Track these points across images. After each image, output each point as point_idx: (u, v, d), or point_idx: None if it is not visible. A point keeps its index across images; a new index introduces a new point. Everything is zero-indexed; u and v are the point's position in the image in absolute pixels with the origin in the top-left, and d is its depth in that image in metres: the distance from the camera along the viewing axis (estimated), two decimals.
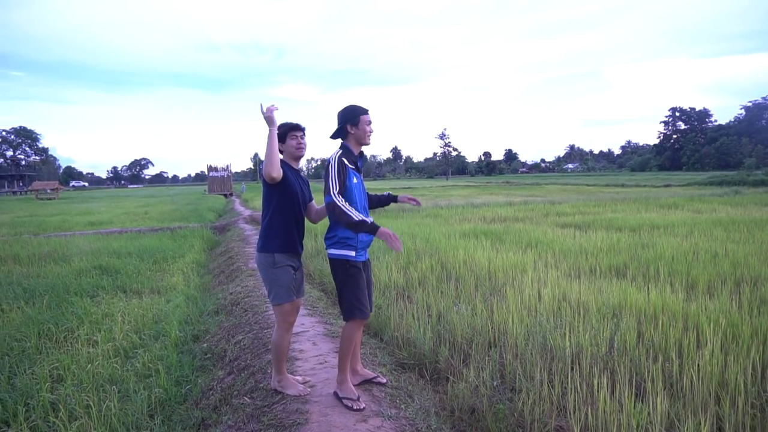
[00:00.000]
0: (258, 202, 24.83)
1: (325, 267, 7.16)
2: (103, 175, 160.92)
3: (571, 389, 3.00)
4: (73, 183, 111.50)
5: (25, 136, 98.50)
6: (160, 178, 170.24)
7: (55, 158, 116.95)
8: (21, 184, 79.45)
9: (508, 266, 6.45)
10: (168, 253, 9.81)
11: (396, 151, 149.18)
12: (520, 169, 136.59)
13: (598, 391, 2.92)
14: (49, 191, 49.77)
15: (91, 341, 4.78)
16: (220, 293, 6.71)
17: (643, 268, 6.32)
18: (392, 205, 16.06)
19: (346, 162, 3.10)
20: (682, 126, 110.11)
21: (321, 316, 5.16)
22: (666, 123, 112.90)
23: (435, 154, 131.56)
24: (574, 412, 2.80)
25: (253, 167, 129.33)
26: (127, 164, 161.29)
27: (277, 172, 3.10)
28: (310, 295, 6.00)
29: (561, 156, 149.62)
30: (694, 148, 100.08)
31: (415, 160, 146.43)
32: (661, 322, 4.02)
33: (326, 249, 3.19)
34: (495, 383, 3.27)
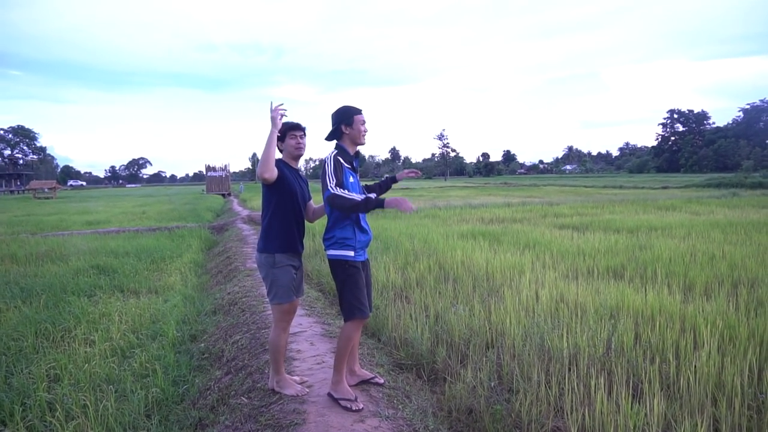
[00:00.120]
0: (256, 202, 24.81)
1: (323, 267, 7.16)
2: (101, 175, 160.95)
3: (569, 390, 3.00)
4: (70, 182, 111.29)
5: (23, 135, 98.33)
6: (158, 178, 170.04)
7: (52, 157, 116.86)
8: (18, 183, 79.31)
9: (505, 267, 6.46)
10: (166, 252, 9.80)
11: (394, 152, 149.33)
12: (519, 171, 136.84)
13: (595, 392, 2.92)
14: (46, 190, 49.68)
15: (88, 341, 4.77)
16: (217, 293, 6.70)
17: (641, 269, 6.33)
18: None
19: (342, 161, 3.10)
20: (680, 128, 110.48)
21: (319, 317, 5.15)
22: (664, 125, 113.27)
23: (433, 154, 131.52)
24: (572, 413, 2.80)
25: (251, 167, 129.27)
26: (125, 164, 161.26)
27: (270, 174, 3.09)
28: (308, 295, 6.00)
29: (559, 157, 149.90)
30: (692, 150, 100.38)
31: (413, 161, 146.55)
32: (658, 323, 4.02)
33: (325, 250, 3.19)
34: (492, 384, 3.27)
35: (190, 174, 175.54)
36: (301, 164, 3.56)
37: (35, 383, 3.73)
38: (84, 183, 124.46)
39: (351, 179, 3.15)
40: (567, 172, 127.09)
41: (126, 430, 3.25)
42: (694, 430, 2.58)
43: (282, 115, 3.17)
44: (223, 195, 40.47)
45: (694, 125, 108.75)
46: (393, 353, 4.15)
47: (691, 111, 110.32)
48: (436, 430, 2.88)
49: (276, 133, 3.11)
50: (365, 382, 3.38)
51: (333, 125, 3.22)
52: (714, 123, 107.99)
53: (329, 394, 3.12)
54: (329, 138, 3.25)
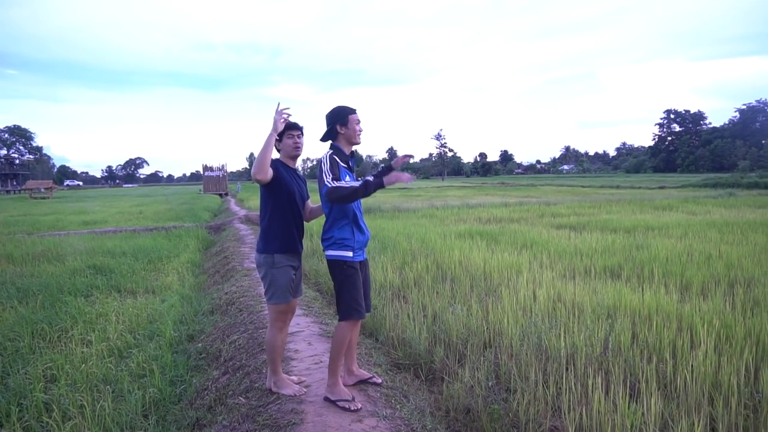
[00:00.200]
0: (253, 201, 24.79)
1: (320, 267, 7.16)
2: (98, 175, 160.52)
3: (566, 390, 3.01)
4: (67, 182, 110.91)
5: (19, 134, 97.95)
6: (155, 178, 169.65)
7: (49, 157, 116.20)
8: (15, 183, 79.00)
9: (503, 267, 6.47)
10: (163, 252, 9.77)
11: (392, 152, 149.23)
12: (516, 170, 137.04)
13: (592, 392, 2.93)
14: (43, 190, 49.50)
15: (85, 341, 4.75)
16: (215, 293, 6.69)
17: (638, 269, 6.35)
18: (387, 206, 15.94)
19: (338, 160, 3.10)
20: (677, 128, 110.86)
21: (316, 316, 5.15)
22: (661, 125, 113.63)
23: (431, 154, 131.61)
24: (569, 413, 2.81)
25: (248, 167, 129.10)
26: (122, 163, 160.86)
27: (263, 175, 3.08)
28: (305, 295, 5.99)
29: (556, 157, 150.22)
30: (689, 150, 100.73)
31: (411, 161, 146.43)
32: (655, 323, 4.04)
33: (323, 250, 3.19)
34: (490, 383, 3.28)
35: (187, 174, 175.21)
36: (298, 164, 3.56)
37: (32, 383, 3.71)
38: (80, 183, 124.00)
39: (347, 178, 3.15)
40: (564, 172, 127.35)
41: (123, 430, 3.24)
42: (691, 430, 2.59)
43: (285, 120, 3.14)
44: (221, 195, 40.41)
45: (690, 125, 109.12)
46: (391, 353, 4.15)
47: (687, 111, 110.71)
48: (433, 430, 2.89)
49: (275, 137, 3.09)
50: (363, 382, 3.38)
51: (328, 126, 3.22)
52: (710, 123, 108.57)
53: (326, 398, 3.12)
54: (324, 139, 3.25)
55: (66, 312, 5.57)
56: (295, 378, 3.46)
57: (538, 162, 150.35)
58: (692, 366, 3.21)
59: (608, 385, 3.09)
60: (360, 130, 3.22)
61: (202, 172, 44.90)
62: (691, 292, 5.27)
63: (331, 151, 3.14)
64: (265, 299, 3.33)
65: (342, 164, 3.12)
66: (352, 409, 2.97)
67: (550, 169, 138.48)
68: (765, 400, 2.84)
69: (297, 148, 3.32)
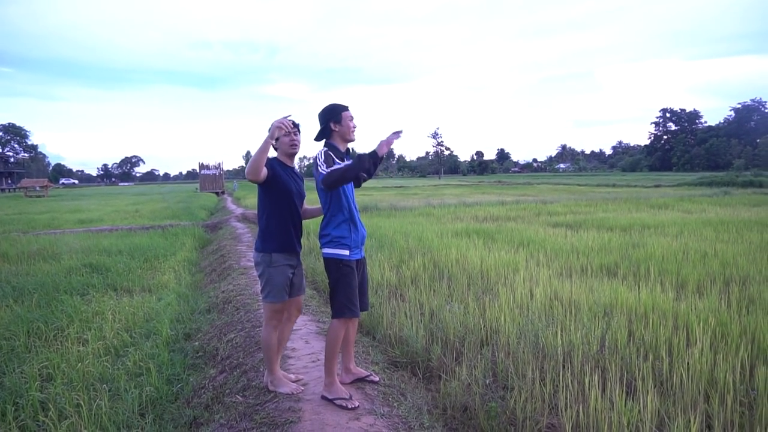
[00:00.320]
0: (250, 200, 24.75)
1: (317, 265, 7.16)
2: (94, 173, 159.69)
3: (563, 387, 3.02)
4: (62, 180, 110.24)
5: (13, 133, 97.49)
6: (151, 176, 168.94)
7: (44, 155, 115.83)
8: (9, 181, 78.61)
9: (500, 265, 6.48)
10: (159, 251, 9.75)
11: (389, 150, 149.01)
12: (512, 169, 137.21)
13: (589, 389, 2.94)
14: (38, 189, 49.21)
15: (81, 340, 4.74)
16: (211, 291, 6.68)
17: (634, 267, 6.37)
18: (384, 205, 15.91)
19: (333, 156, 3.10)
20: (673, 127, 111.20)
21: (313, 315, 5.15)
22: (657, 124, 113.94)
23: (427, 153, 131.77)
24: (566, 410, 2.82)
25: (245, 165, 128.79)
26: (118, 162, 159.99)
27: (256, 176, 3.08)
28: None
29: (553, 156, 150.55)
30: (684, 149, 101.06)
31: (407, 159, 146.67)
32: (651, 320, 4.05)
33: (320, 248, 3.19)
34: (487, 381, 3.29)
35: (184, 172, 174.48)
36: (294, 163, 3.55)
37: (28, 382, 3.70)
38: (76, 181, 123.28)
39: None
40: (560, 170, 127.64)
41: (120, 429, 3.23)
42: (687, 427, 2.60)
43: (283, 128, 3.08)
44: (217, 193, 40.29)
45: (686, 124, 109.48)
46: (388, 351, 4.15)
47: (683, 110, 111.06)
48: (431, 428, 2.89)
49: (270, 143, 3.03)
50: (360, 380, 3.38)
51: (321, 124, 3.22)
52: (706, 122, 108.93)
53: (323, 397, 3.12)
54: (318, 138, 3.25)
55: (62, 311, 5.55)
56: (292, 376, 3.46)
57: (535, 160, 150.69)
58: (688, 363, 3.22)
59: (605, 383, 3.10)
60: (354, 127, 3.22)
61: (198, 171, 44.73)
62: (687, 290, 5.29)
63: (326, 148, 3.14)
64: (261, 297, 3.33)
65: (338, 160, 3.12)
66: (350, 407, 2.97)
67: (547, 167, 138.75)
68: (760, 398, 2.86)
69: (294, 146, 3.30)
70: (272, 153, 3.32)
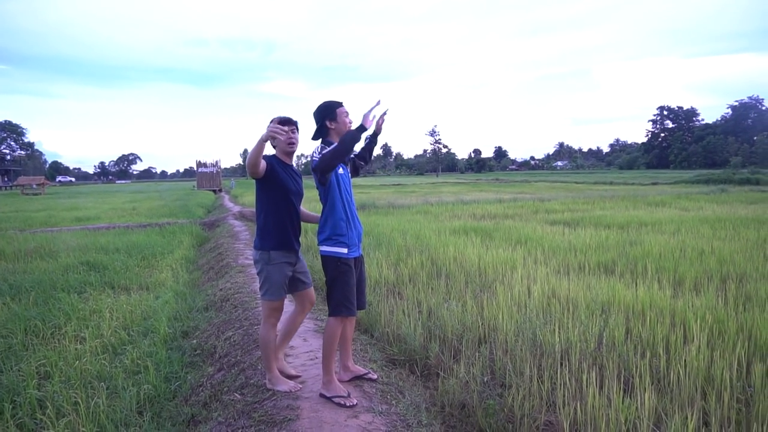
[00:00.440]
0: (247, 198, 24.72)
1: (315, 264, 7.14)
2: (90, 171, 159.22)
3: (561, 385, 3.02)
4: (59, 178, 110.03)
5: (10, 130, 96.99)
6: (148, 174, 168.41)
7: (41, 153, 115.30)
8: (6, 179, 78.34)
9: (497, 263, 6.48)
10: (156, 249, 9.73)
11: (386, 148, 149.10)
12: (510, 167, 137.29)
13: (587, 387, 2.95)
14: (35, 186, 49.03)
15: (79, 338, 4.73)
16: (209, 289, 6.67)
17: (631, 265, 6.39)
18: (382, 203, 15.89)
19: None
20: (670, 125, 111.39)
21: (311, 313, 5.14)
22: (654, 122, 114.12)
23: (425, 150, 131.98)
24: (564, 407, 2.83)
25: (242, 163, 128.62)
26: (115, 159, 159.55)
27: (253, 172, 3.09)
28: None
29: (550, 154, 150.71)
30: (682, 146, 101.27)
31: (405, 157, 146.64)
32: (648, 318, 4.06)
33: (318, 245, 3.19)
34: (485, 379, 3.29)
35: (181, 170, 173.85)
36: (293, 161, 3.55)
37: (25, 380, 3.70)
38: (73, 179, 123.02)
39: (340, 170, 3.17)
40: (558, 168, 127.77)
41: (118, 427, 3.23)
42: (684, 424, 2.61)
43: (277, 133, 2.99)
44: (214, 191, 40.21)
45: (683, 122, 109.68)
46: (386, 349, 4.15)
47: (680, 108, 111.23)
48: (429, 425, 2.89)
49: (263, 145, 2.98)
50: (359, 378, 3.38)
51: (317, 123, 3.22)
52: (703, 120, 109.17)
53: (321, 395, 3.12)
54: (315, 137, 3.25)
55: (59, 309, 5.54)
56: (293, 371, 3.47)
57: (532, 158, 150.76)
58: (685, 361, 3.24)
59: (602, 380, 3.11)
60: (350, 122, 3.22)
61: (195, 169, 44.62)
62: (684, 287, 5.30)
63: (323, 146, 3.15)
64: (260, 294, 3.34)
65: None
66: (348, 405, 2.98)
67: (544, 165, 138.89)
68: (757, 394, 2.87)
69: (291, 144, 3.29)
70: (271, 150, 3.32)
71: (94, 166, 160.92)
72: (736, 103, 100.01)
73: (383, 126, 3.35)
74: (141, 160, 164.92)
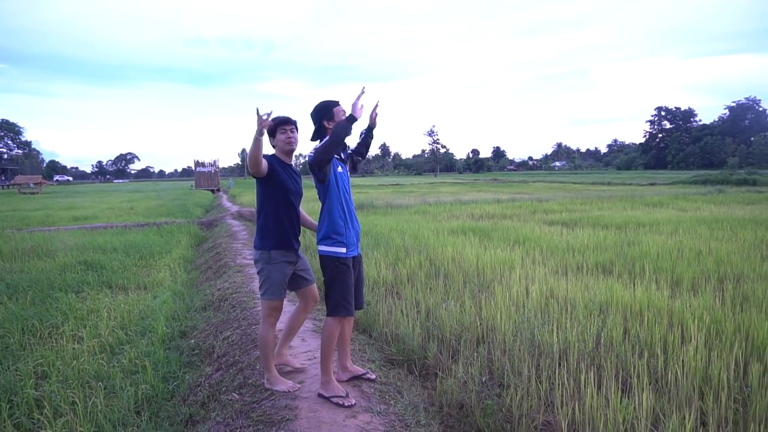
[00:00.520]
0: (245, 198, 24.69)
1: (313, 263, 7.14)
2: (88, 170, 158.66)
3: (559, 385, 3.03)
4: (56, 177, 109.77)
5: (7, 129, 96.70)
6: (146, 173, 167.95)
7: (38, 152, 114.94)
8: (3, 178, 78.06)
9: (496, 263, 6.49)
10: (154, 248, 9.71)
11: (384, 148, 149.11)
12: (508, 167, 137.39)
13: (585, 387, 2.95)
14: (32, 185, 48.91)
15: (77, 337, 4.72)
16: (207, 289, 6.66)
17: (629, 265, 6.40)
18: (380, 203, 15.88)
19: None
20: (668, 125, 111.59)
21: (310, 312, 5.14)
22: (652, 122, 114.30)
23: (423, 151, 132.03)
24: (562, 407, 2.83)
25: (240, 162, 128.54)
26: (113, 159, 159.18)
27: (257, 169, 3.10)
28: None
29: (548, 154, 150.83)
30: (679, 147, 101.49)
31: (403, 157, 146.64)
32: (646, 318, 4.07)
33: (317, 245, 3.20)
34: (483, 379, 3.29)
35: (179, 169, 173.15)
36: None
37: (22, 380, 3.69)
38: (70, 178, 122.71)
39: (339, 169, 3.18)
40: (556, 168, 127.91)
41: (115, 426, 3.22)
42: (682, 424, 2.62)
43: (266, 120, 3.00)
44: (212, 191, 40.19)
45: (681, 122, 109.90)
46: (384, 349, 4.16)
47: (678, 108, 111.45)
48: (427, 425, 2.90)
49: (260, 139, 2.98)
50: (357, 378, 3.38)
51: (315, 124, 3.23)
52: (700, 120, 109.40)
53: (320, 394, 3.12)
54: (314, 137, 3.25)
55: (56, 308, 5.53)
56: (298, 364, 3.56)
57: (530, 158, 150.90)
58: (683, 361, 3.24)
59: (600, 380, 3.12)
60: None
61: (193, 168, 44.61)
62: (682, 288, 5.31)
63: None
64: (259, 294, 3.35)
65: (335, 156, 3.14)
66: (346, 405, 2.98)
67: (542, 165, 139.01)
68: (754, 394, 2.88)
69: (290, 143, 3.30)
70: (271, 150, 3.33)
71: (92, 165, 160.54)
72: (734, 104, 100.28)
73: (377, 119, 3.40)
74: (139, 160, 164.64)
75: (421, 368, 3.78)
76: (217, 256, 8.97)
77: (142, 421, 3.30)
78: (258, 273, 3.30)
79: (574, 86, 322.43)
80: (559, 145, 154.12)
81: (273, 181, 3.20)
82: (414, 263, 6.64)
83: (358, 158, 3.45)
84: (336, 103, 3.22)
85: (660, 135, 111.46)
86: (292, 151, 3.35)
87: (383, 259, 7.03)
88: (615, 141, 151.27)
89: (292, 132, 3.30)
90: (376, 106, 3.37)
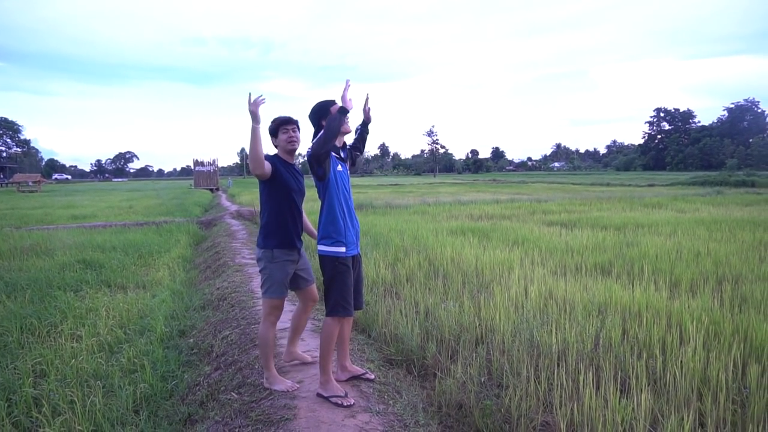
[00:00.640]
0: (245, 197, 24.69)
1: (312, 262, 7.14)
2: (87, 168, 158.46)
3: (557, 385, 3.03)
4: (55, 176, 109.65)
5: (6, 127, 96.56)
6: (145, 172, 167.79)
7: (37, 150, 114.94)
8: (2, 176, 78.00)
9: (495, 263, 6.49)
10: (153, 247, 9.71)
11: (383, 148, 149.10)
12: (507, 167, 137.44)
13: (583, 387, 2.96)
14: (31, 184, 48.83)
15: (75, 336, 4.72)
16: (206, 288, 6.66)
17: (628, 266, 6.40)
18: (379, 203, 15.93)
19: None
20: (667, 126, 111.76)
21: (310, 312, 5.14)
22: (651, 123, 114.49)
23: (423, 151, 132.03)
24: (560, 408, 2.83)
25: (239, 162, 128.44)
26: (112, 157, 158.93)
27: (261, 170, 3.12)
28: None
29: (547, 154, 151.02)
30: (678, 148, 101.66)
31: (402, 157, 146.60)
32: (645, 319, 4.08)
33: (316, 244, 3.20)
34: (482, 379, 3.30)
35: (178, 169, 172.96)
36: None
37: (21, 379, 3.68)
38: (69, 177, 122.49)
39: (339, 167, 3.18)
40: (555, 169, 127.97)
41: (114, 425, 3.22)
42: (680, 425, 2.62)
43: (260, 103, 3.08)
44: (211, 190, 40.15)
45: (680, 124, 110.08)
46: (383, 349, 4.16)
47: (677, 110, 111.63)
48: (426, 425, 2.90)
49: (258, 128, 3.04)
50: (356, 378, 3.38)
51: (314, 124, 3.25)
52: (699, 122, 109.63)
53: (318, 394, 3.12)
54: (315, 138, 3.26)
55: (55, 307, 5.52)
56: (309, 358, 3.62)
57: (530, 159, 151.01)
58: (681, 362, 3.25)
59: (599, 381, 3.12)
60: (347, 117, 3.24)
61: (192, 167, 44.58)
62: (680, 289, 5.32)
63: None
64: (261, 292, 3.36)
65: (334, 154, 3.15)
66: (345, 404, 2.98)
67: (541, 166, 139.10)
68: (752, 395, 2.89)
69: (291, 143, 3.32)
70: (273, 150, 3.36)
71: (91, 164, 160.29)
72: (732, 106, 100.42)
73: (371, 114, 3.45)
74: (138, 159, 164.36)
75: (419, 368, 3.79)
76: (216, 255, 8.96)
77: (140, 420, 3.29)
78: (260, 271, 3.33)
79: (573, 87, 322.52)
80: (558, 145, 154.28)
81: (276, 181, 3.23)
82: (413, 263, 6.64)
83: (356, 153, 3.49)
84: (332, 103, 3.24)
85: (659, 136, 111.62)
86: (294, 150, 3.37)
87: (382, 259, 7.03)
88: (614, 142, 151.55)
89: (294, 131, 3.33)
90: (367, 100, 3.42)
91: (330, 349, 3.13)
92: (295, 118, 3.35)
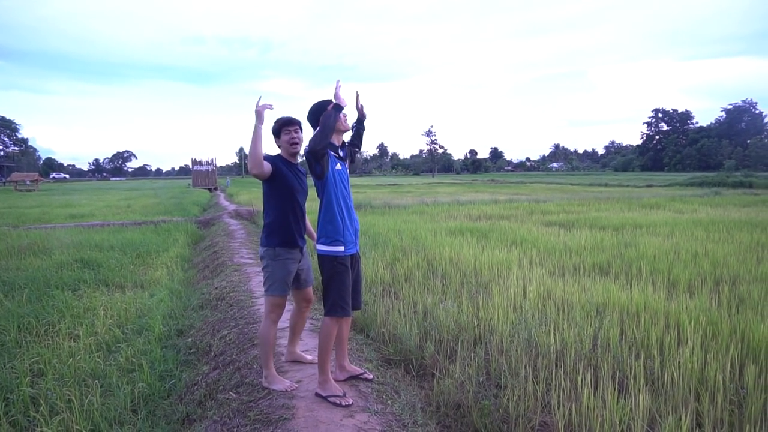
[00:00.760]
0: (243, 197, 24.67)
1: (311, 262, 7.14)
2: (85, 167, 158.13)
3: (556, 385, 3.03)
4: (53, 175, 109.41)
5: (3, 126, 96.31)
6: (143, 171, 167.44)
7: (34, 149, 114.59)
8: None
9: (493, 264, 6.50)
10: (151, 247, 9.69)
11: (382, 148, 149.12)
12: (505, 168, 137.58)
13: (581, 388, 2.96)
14: (28, 183, 48.72)
15: (73, 335, 4.71)
16: (204, 288, 6.65)
17: (626, 266, 6.41)
18: (378, 203, 15.95)
19: (329, 149, 3.13)
20: (665, 127, 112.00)
21: (308, 312, 5.13)
22: (649, 124, 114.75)
23: (421, 151, 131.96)
24: (558, 408, 2.84)
25: (238, 161, 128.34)
26: (110, 156, 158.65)
27: (259, 170, 3.15)
28: None
29: (546, 155, 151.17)
30: (676, 149, 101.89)
31: (401, 157, 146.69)
32: (643, 319, 4.08)
33: (315, 244, 3.20)
34: (480, 379, 3.30)
35: (176, 168, 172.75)
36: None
37: (18, 378, 3.67)
38: (67, 176, 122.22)
39: (338, 166, 3.19)
40: (553, 169, 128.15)
41: (112, 425, 3.22)
42: (678, 425, 2.63)
43: (265, 108, 3.17)
44: (210, 189, 40.12)
45: (678, 125, 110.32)
46: (382, 349, 4.16)
47: (675, 110, 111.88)
48: (424, 425, 2.90)
49: (261, 128, 3.12)
50: (354, 378, 3.38)
51: (312, 125, 3.26)
52: (697, 123, 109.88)
53: (317, 394, 3.12)
54: None
55: (53, 306, 5.51)
56: (309, 357, 3.61)
57: (528, 159, 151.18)
58: (679, 362, 3.25)
59: (597, 381, 3.13)
60: (345, 116, 3.25)
61: (191, 167, 44.55)
62: (678, 289, 5.33)
63: None
64: (263, 289, 3.37)
65: (333, 153, 3.16)
66: (344, 404, 2.98)
67: (540, 166, 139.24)
68: (750, 396, 2.89)
69: (293, 144, 3.35)
70: (276, 150, 3.38)
71: (89, 163, 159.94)
72: (730, 107, 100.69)
73: (364, 110, 3.50)
74: (136, 158, 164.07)
75: (418, 368, 3.79)
76: (214, 254, 8.95)
77: (138, 419, 3.29)
78: (263, 269, 3.35)
79: (571, 87, 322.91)
80: (557, 146, 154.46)
81: (278, 181, 3.27)
82: (411, 263, 6.64)
83: (354, 150, 3.53)
84: (329, 102, 3.25)
85: (657, 137, 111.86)
86: (296, 151, 3.41)
87: (381, 259, 7.03)
88: (612, 142, 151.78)
89: (296, 132, 3.36)
90: (358, 97, 3.48)
91: (328, 349, 3.13)
92: (297, 119, 3.37)
